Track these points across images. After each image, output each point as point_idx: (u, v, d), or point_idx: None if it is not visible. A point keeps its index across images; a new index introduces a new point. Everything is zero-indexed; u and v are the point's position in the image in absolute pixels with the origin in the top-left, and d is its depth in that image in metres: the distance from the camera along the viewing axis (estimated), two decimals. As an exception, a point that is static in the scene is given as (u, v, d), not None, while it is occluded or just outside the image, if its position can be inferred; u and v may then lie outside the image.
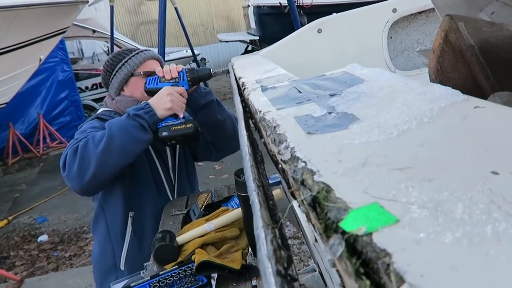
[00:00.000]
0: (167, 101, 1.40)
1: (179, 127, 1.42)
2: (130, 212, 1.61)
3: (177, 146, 1.72)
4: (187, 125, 1.43)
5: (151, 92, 1.48)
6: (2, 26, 3.86)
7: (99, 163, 1.29)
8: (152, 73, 1.53)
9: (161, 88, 1.45)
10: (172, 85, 1.45)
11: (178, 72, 1.50)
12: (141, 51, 1.60)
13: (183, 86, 1.49)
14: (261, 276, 0.35)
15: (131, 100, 1.56)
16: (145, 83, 1.49)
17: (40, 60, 5.01)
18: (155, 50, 7.60)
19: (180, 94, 1.46)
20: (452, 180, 0.36)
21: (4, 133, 6.58)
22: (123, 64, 1.56)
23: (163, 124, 1.42)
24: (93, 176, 1.31)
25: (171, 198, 1.76)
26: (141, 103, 1.45)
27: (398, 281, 0.26)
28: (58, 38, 5.13)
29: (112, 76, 1.58)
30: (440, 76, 0.75)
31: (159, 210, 1.69)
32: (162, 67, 1.57)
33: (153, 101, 1.41)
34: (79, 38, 8.34)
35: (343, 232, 0.33)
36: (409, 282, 0.25)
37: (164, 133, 1.41)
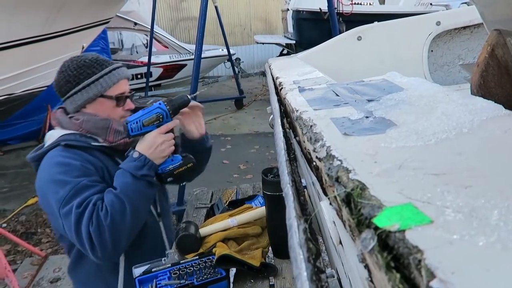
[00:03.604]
0: (163, 150, 1.35)
1: (181, 169, 1.39)
2: None
3: None
4: (188, 165, 1.40)
5: (136, 137, 1.39)
6: (51, 12, 4.03)
7: (130, 232, 1.29)
8: (122, 96, 1.44)
9: (147, 131, 1.36)
10: (157, 127, 1.36)
11: (156, 108, 1.37)
12: (113, 69, 1.43)
13: (167, 123, 1.39)
14: (292, 263, 0.37)
15: (101, 120, 1.41)
16: (128, 130, 1.36)
17: (83, 47, 5.20)
18: (193, 47, 7.66)
19: (168, 132, 1.38)
20: (489, 189, 0.36)
21: (42, 115, 6.86)
22: (93, 82, 1.39)
23: (166, 170, 1.38)
24: (125, 245, 1.31)
25: (155, 214, 1.60)
26: (131, 152, 1.35)
27: (429, 276, 0.27)
28: (101, 27, 5.31)
29: (75, 90, 1.39)
30: (482, 91, 0.74)
31: (148, 227, 1.54)
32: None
33: (147, 151, 1.33)
34: (121, 29, 8.60)
35: (376, 228, 0.34)
36: (440, 278, 0.26)
37: (170, 179, 1.40)
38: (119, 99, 1.44)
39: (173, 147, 1.39)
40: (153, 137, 1.34)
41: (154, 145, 1.33)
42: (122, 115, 1.46)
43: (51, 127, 1.55)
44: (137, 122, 1.35)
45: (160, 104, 1.37)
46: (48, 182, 1.29)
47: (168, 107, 1.37)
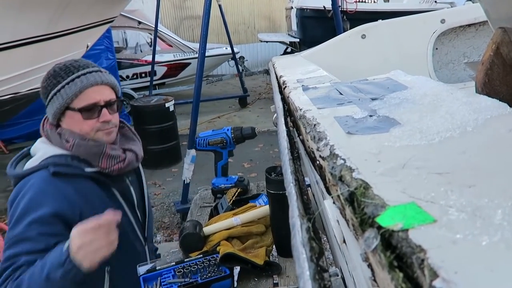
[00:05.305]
0: (83, 259, 1.03)
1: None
2: (106, 267, 1.25)
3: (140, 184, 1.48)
4: (238, 190, 1.64)
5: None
6: (56, 12, 4.04)
7: None
8: (93, 107, 1.22)
9: (211, 150, 1.46)
10: (221, 149, 1.40)
11: (223, 133, 1.42)
12: (77, 76, 1.21)
13: (229, 149, 1.54)
14: (295, 262, 0.37)
15: (93, 145, 1.24)
16: (196, 143, 1.50)
17: (87, 46, 5.20)
18: (196, 46, 7.58)
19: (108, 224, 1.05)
20: (492, 188, 0.36)
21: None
22: (55, 94, 1.21)
23: (217, 188, 1.67)
24: None
25: (142, 239, 1.45)
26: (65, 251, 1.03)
27: (432, 275, 0.27)
28: (106, 26, 5.31)
29: (46, 104, 1.26)
30: (487, 89, 0.73)
31: (135, 252, 1.41)
32: (116, 92, 1.30)
33: (76, 251, 1.03)
34: (125, 28, 8.60)
35: (379, 227, 0.34)
36: (443, 277, 0.26)
37: (219, 195, 1.62)
38: (86, 111, 1.22)
39: (103, 252, 1.05)
40: (73, 237, 1.05)
41: (83, 246, 1.04)
42: (98, 127, 1.25)
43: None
44: (204, 140, 1.50)
45: (228, 130, 1.51)
46: (15, 209, 1.16)
47: (233, 135, 1.50)
